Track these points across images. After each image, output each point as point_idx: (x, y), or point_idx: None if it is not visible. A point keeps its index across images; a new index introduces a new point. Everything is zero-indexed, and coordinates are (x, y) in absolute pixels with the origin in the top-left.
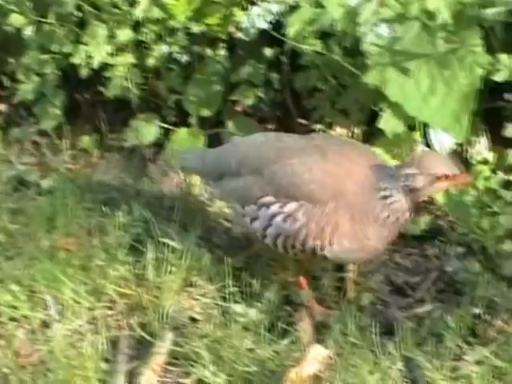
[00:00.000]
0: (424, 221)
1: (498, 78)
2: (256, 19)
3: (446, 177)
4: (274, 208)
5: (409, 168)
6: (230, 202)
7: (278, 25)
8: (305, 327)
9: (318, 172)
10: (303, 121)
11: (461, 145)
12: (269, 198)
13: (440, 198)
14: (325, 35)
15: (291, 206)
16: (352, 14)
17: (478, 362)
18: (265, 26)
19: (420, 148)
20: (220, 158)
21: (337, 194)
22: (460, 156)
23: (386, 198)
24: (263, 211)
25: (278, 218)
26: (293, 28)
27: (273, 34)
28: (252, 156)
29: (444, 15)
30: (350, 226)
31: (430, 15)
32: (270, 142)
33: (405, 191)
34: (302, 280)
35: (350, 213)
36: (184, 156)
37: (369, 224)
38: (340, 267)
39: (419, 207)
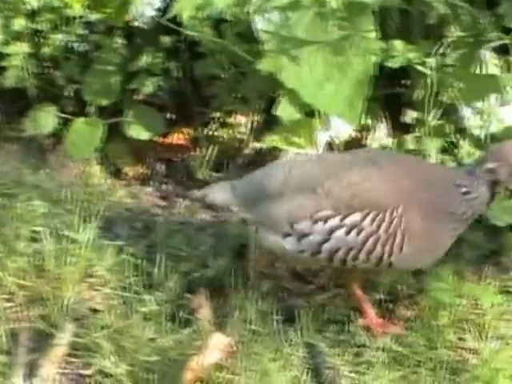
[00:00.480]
0: None
1: (393, 64)
2: (145, 7)
3: None
4: (334, 222)
5: (490, 162)
6: (269, 224)
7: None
8: (205, 315)
9: (378, 179)
10: (203, 109)
11: (360, 131)
12: (326, 212)
13: None
14: (219, 22)
15: (355, 217)
16: (243, 1)
17: (380, 348)
18: (153, 13)
19: (319, 135)
20: (255, 184)
21: (403, 197)
22: (359, 142)
23: (466, 193)
24: (320, 226)
25: (340, 232)
26: (185, 14)
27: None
28: (297, 176)
29: (334, 2)
30: (420, 227)
31: (322, 2)
32: (314, 161)
33: (488, 185)
34: (361, 294)
35: (420, 214)
36: (210, 191)
37: (442, 221)
38: (241, 254)
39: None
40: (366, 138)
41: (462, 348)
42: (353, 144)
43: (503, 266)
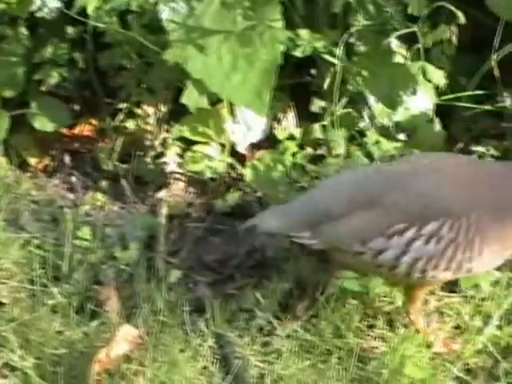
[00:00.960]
0: (232, 197)
1: (299, 53)
2: None
3: None
4: (410, 233)
5: None
6: (339, 246)
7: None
8: (112, 307)
9: (446, 186)
10: (110, 100)
11: (268, 121)
12: (400, 226)
13: (248, 175)
14: (125, 12)
15: (432, 227)
16: None
17: (289, 337)
18: (57, 4)
19: (228, 125)
20: (314, 206)
21: (474, 201)
22: (267, 133)
23: None
24: (396, 240)
25: (418, 242)
26: (90, 6)
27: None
28: (361, 192)
29: None
30: (494, 229)
31: None
32: (373, 175)
33: None
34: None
35: (491, 215)
36: (262, 219)
37: (510, 219)
38: (149, 245)
39: None
40: (274, 128)
41: (371, 336)
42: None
43: None
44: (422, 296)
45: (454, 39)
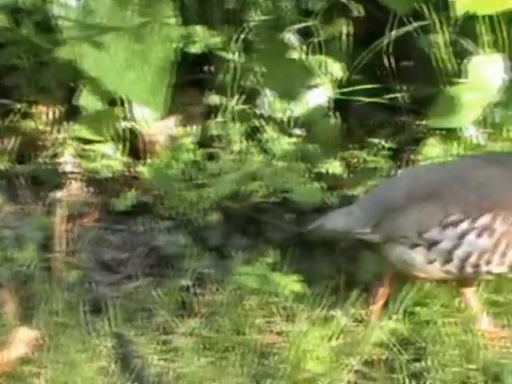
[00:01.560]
0: (130, 196)
1: (194, 49)
2: None
3: None
4: (464, 225)
5: None
6: (397, 238)
7: None
8: (10, 309)
9: (504, 178)
10: (3, 100)
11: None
12: (455, 217)
13: (146, 173)
14: (16, 10)
15: (485, 219)
16: None
17: (189, 334)
18: None
19: (122, 123)
20: (377, 203)
21: None
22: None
23: None
24: (450, 231)
25: (471, 235)
26: None
27: None
28: (422, 184)
29: None
30: None
31: None
32: (436, 169)
33: None
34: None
35: None
36: (327, 220)
37: None
38: (45, 246)
39: None
40: (176, 126)
41: (271, 331)
42: None
43: (310, 248)
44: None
45: (350, 33)
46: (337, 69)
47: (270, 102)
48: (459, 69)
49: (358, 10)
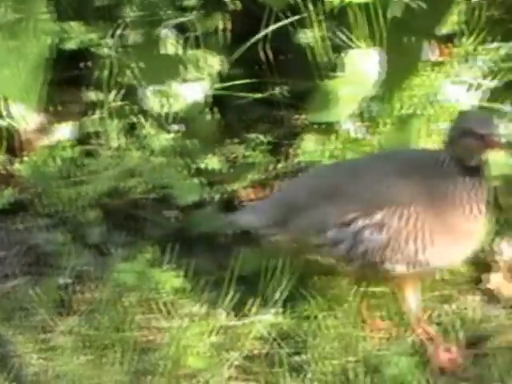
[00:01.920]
0: (7, 194)
1: (70, 46)
2: None
3: (480, 136)
4: (360, 223)
5: (451, 130)
6: (302, 239)
7: None
8: None
9: (396, 176)
10: None
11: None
12: (352, 215)
13: (23, 170)
14: None
15: (379, 215)
16: None
17: (68, 332)
18: None
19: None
20: (281, 203)
21: (417, 193)
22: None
23: (447, 172)
24: (347, 230)
25: (367, 232)
26: None
27: None
28: (320, 184)
29: None
30: (439, 220)
31: None
32: (333, 168)
33: (451, 155)
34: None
35: (433, 207)
36: (241, 216)
37: (451, 212)
38: None
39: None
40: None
41: (151, 328)
42: None
43: (189, 243)
44: (409, 292)
45: (227, 28)
46: (214, 64)
47: (147, 97)
48: (336, 63)
49: (234, 5)
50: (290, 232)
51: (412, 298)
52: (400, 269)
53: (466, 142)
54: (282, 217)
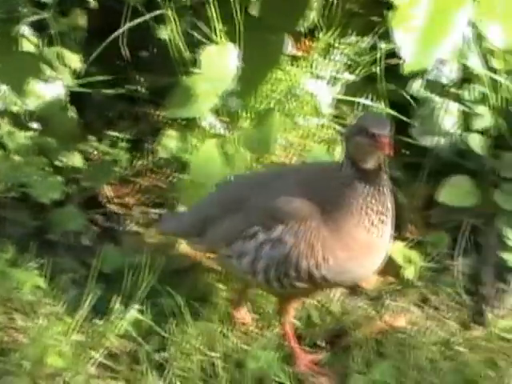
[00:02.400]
0: None
1: None
2: None
3: (372, 136)
4: (261, 237)
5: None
6: (212, 249)
7: None
8: None
9: (294, 190)
10: None
11: None
12: (254, 228)
13: None
14: None
15: (278, 230)
16: None
17: None
18: None
19: None
20: (200, 210)
21: (316, 207)
22: None
23: (343, 179)
24: (250, 244)
25: (267, 247)
26: None
27: None
28: (228, 195)
29: None
30: (336, 234)
31: None
32: (243, 178)
33: (347, 160)
34: (290, 331)
35: (326, 223)
36: (164, 222)
37: (349, 221)
38: None
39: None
40: None
41: (11, 328)
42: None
43: (50, 242)
44: (291, 308)
45: (86, 25)
46: (73, 61)
47: (4, 95)
48: (195, 58)
49: (93, 1)
50: (205, 242)
51: (291, 305)
52: (300, 285)
53: (359, 140)
54: (198, 227)
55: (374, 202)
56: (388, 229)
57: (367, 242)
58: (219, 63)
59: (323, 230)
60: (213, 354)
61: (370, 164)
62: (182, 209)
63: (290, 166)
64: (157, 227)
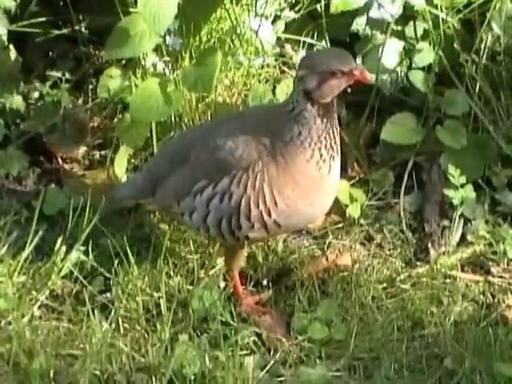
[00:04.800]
0: None
1: None
2: None
3: (342, 73)
4: (209, 191)
5: (299, 70)
6: (165, 207)
7: None
8: None
9: (238, 138)
10: None
11: None
12: (202, 183)
13: None
14: None
15: (224, 182)
16: None
17: None
18: None
19: None
20: (150, 170)
21: (259, 151)
22: None
23: (291, 111)
24: (198, 199)
25: (215, 200)
26: None
27: None
28: (178, 150)
29: None
30: (286, 171)
31: None
32: (191, 132)
33: (303, 96)
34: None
35: (275, 162)
36: (119, 188)
37: (296, 158)
38: None
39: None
40: None
41: None
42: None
43: None
44: (241, 255)
45: None
46: (9, 1)
47: None
48: None
49: None
50: (157, 202)
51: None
52: (254, 235)
53: (334, 83)
54: (150, 187)
55: (327, 138)
56: (337, 166)
57: (317, 178)
58: (160, 1)
59: (271, 169)
60: (157, 294)
61: (328, 98)
62: (124, 150)
63: (232, 113)
64: (113, 196)
